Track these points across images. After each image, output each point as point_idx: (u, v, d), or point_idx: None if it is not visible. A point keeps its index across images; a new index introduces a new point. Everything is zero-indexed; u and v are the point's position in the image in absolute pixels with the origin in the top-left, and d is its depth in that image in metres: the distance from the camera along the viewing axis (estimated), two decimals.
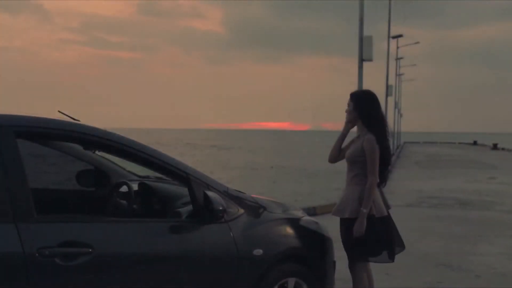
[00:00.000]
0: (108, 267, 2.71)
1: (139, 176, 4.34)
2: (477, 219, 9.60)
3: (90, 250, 2.61)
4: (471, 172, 20.51)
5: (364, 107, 3.99)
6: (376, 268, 4.40)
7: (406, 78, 49.01)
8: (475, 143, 62.76)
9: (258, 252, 3.22)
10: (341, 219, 3.99)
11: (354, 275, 4.00)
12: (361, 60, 12.01)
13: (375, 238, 3.85)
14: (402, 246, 4.07)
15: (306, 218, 3.84)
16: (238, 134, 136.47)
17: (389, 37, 29.19)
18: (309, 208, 9.39)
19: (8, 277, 2.44)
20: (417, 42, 41.88)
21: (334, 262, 3.88)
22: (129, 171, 4.34)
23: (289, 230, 3.56)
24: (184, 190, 3.47)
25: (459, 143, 68.64)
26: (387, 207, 4.01)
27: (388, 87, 28.34)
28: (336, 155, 4.17)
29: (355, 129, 4.15)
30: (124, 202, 3.61)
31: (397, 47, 37.02)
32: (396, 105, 39.66)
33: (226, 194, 3.24)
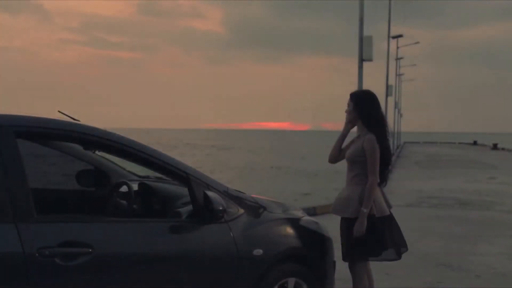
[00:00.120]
0: (108, 267, 2.71)
1: (139, 176, 4.34)
2: (477, 219, 9.60)
3: (90, 250, 2.61)
4: (471, 172, 20.51)
5: (364, 107, 3.99)
6: (376, 268, 4.41)
7: (406, 78, 49.05)
8: (475, 143, 62.75)
9: (258, 252, 3.22)
10: (341, 218, 3.99)
11: (354, 275, 4.00)
12: (361, 60, 12.01)
13: (376, 238, 3.85)
14: (405, 247, 4.07)
15: (306, 218, 3.84)
16: (238, 134, 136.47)
17: (389, 37, 29.19)
18: (309, 208, 9.40)
19: (8, 277, 2.44)
20: (417, 42, 41.89)
21: (334, 262, 3.88)
22: (129, 171, 4.34)
23: (289, 230, 3.56)
24: (184, 190, 3.47)
25: (459, 143, 68.63)
26: (389, 206, 4.02)
27: (388, 87, 28.34)
28: (336, 155, 4.17)
29: (355, 129, 4.15)
30: (124, 202, 3.61)
31: (397, 47, 37.04)
32: (396, 105, 39.66)
33: (226, 194, 3.24)
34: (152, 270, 2.82)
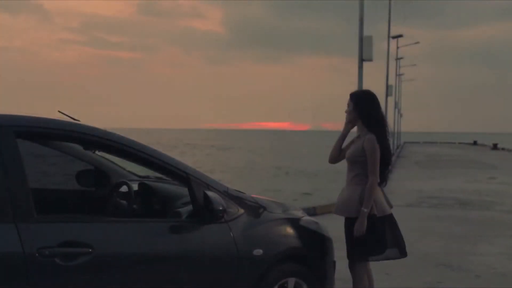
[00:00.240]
0: (108, 267, 2.71)
1: (139, 176, 4.34)
2: (477, 219, 9.60)
3: (90, 250, 2.61)
4: (471, 172, 20.51)
5: (364, 107, 3.99)
6: (376, 268, 4.41)
7: (406, 78, 49.04)
8: (475, 143, 62.74)
9: (258, 252, 3.22)
10: (345, 218, 4.00)
11: (354, 275, 4.00)
12: (361, 60, 12.01)
13: (376, 237, 3.85)
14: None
15: (306, 218, 3.84)
16: (238, 134, 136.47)
17: (389, 37, 29.19)
18: (309, 208, 9.39)
19: (8, 277, 2.44)
20: (417, 42, 41.90)
21: (334, 262, 3.88)
22: (129, 171, 4.34)
23: (289, 230, 3.56)
24: (184, 190, 3.47)
25: (459, 143, 68.62)
26: (390, 206, 4.02)
27: (388, 87, 28.34)
28: (337, 156, 4.17)
29: (355, 129, 4.15)
30: (124, 202, 3.61)
31: (397, 47, 37.04)
32: (396, 105, 39.66)
33: (226, 194, 3.24)
34: (152, 270, 2.82)
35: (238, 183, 13.04)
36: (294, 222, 3.64)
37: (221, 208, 2.97)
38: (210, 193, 3.01)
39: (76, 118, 3.33)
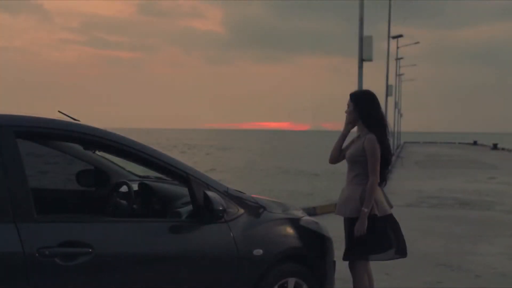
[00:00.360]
0: (108, 267, 2.71)
1: (139, 176, 4.34)
2: (477, 219, 9.60)
3: (90, 250, 2.61)
4: (471, 172, 20.51)
5: (364, 107, 3.99)
6: (376, 268, 4.41)
7: (406, 78, 49.04)
8: (475, 143, 62.72)
9: (258, 252, 3.22)
10: (344, 218, 4.00)
11: (354, 275, 4.00)
12: (361, 60, 12.01)
13: (376, 237, 3.85)
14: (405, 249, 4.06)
15: (306, 218, 3.84)
16: (238, 134, 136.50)
17: (389, 37, 29.20)
18: (309, 208, 9.39)
19: (8, 277, 2.44)
20: (417, 42, 41.92)
21: (334, 262, 3.88)
22: (129, 171, 4.35)
23: (289, 230, 3.56)
24: (184, 190, 3.47)
25: (459, 143, 68.61)
26: (390, 206, 4.02)
27: (388, 87, 28.34)
28: (337, 156, 4.17)
29: (355, 129, 4.15)
30: (124, 202, 3.61)
31: (397, 47, 37.04)
32: (396, 105, 39.66)
33: (226, 194, 3.24)
34: (152, 270, 2.82)
35: (238, 183, 13.04)
36: (294, 222, 3.64)
37: (221, 208, 2.97)
38: (210, 193, 3.01)
39: (76, 118, 3.33)
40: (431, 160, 30.19)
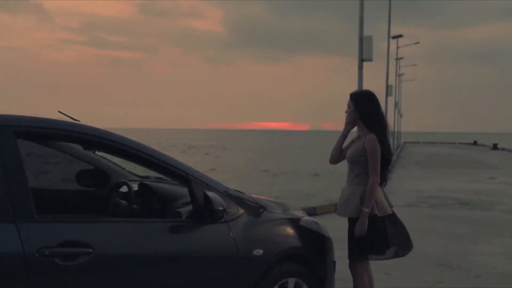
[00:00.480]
0: (108, 267, 2.70)
1: (139, 176, 4.34)
2: (477, 219, 9.60)
3: (90, 250, 2.61)
4: (471, 172, 20.51)
5: (364, 107, 3.99)
6: (376, 268, 4.41)
7: (406, 78, 49.05)
8: (475, 143, 62.71)
9: (258, 252, 3.22)
10: (348, 218, 4.00)
11: (355, 275, 4.00)
12: (361, 60, 12.01)
13: (377, 237, 3.85)
14: (409, 248, 4.06)
15: (306, 218, 3.84)
16: (238, 134, 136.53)
17: (389, 37, 29.21)
18: (309, 208, 9.40)
19: (8, 277, 2.44)
20: (417, 42, 41.95)
21: (334, 262, 3.88)
22: (129, 171, 4.35)
23: (289, 230, 3.56)
24: (184, 190, 3.47)
25: (459, 143, 68.60)
26: (390, 206, 4.02)
27: (388, 87, 28.35)
28: (337, 156, 4.17)
29: (355, 129, 4.15)
30: (124, 202, 3.61)
31: (397, 47, 37.06)
32: (396, 105, 39.67)
33: (226, 194, 3.24)
34: (152, 270, 2.82)
35: (238, 183, 13.04)
36: (294, 222, 3.64)
37: (221, 208, 2.96)
38: (210, 193, 3.01)
39: (76, 118, 3.33)
40: (431, 160, 30.18)
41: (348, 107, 4.04)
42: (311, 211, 9.23)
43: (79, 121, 3.15)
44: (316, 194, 12.21)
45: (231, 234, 3.14)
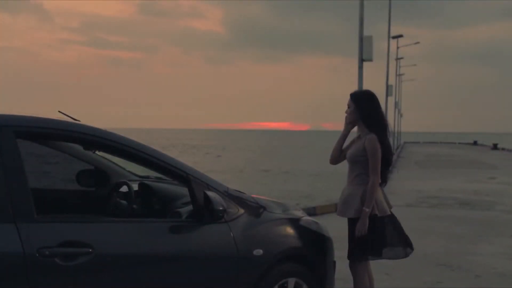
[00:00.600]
0: (108, 267, 2.70)
1: (139, 176, 4.34)
2: (477, 219, 9.60)
3: (90, 250, 2.61)
4: (471, 172, 20.51)
5: (365, 108, 3.99)
6: (376, 268, 4.41)
7: (406, 78, 49.05)
8: (475, 143, 62.70)
9: (258, 252, 3.22)
10: (348, 218, 4.00)
11: (355, 275, 4.00)
12: (361, 60, 12.01)
13: (377, 237, 3.85)
14: (410, 247, 4.06)
15: (306, 218, 3.84)
16: (238, 134, 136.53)
17: (389, 37, 29.21)
18: (309, 208, 9.40)
19: (8, 277, 2.44)
20: (417, 42, 41.96)
21: (334, 262, 3.88)
22: (129, 171, 4.35)
23: (289, 230, 3.56)
24: (184, 190, 3.46)
25: (459, 143, 68.59)
26: (389, 206, 4.02)
27: (388, 87, 28.35)
28: (338, 156, 4.17)
29: (355, 129, 4.15)
30: (124, 202, 3.61)
31: (397, 47, 37.06)
32: (396, 105, 39.67)
33: (226, 194, 3.24)
34: (152, 270, 2.82)
35: (238, 183, 13.04)
36: (294, 222, 3.63)
37: (221, 208, 2.96)
38: (210, 193, 3.01)
39: (76, 118, 3.33)
40: (431, 160, 30.18)
41: (349, 107, 4.04)
42: (311, 211, 9.23)
43: (79, 121, 3.15)
44: (316, 194, 12.21)
45: (231, 234, 3.13)
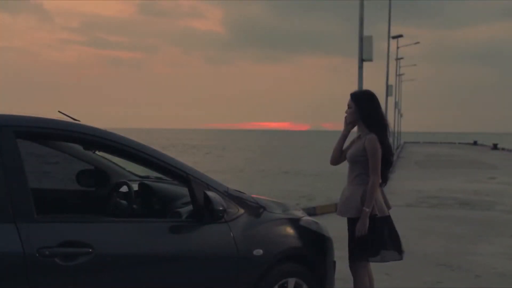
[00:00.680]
0: (108, 267, 2.70)
1: (139, 176, 4.34)
2: (477, 219, 9.60)
3: (90, 250, 2.61)
4: (471, 172, 20.51)
5: (365, 108, 3.98)
6: (376, 268, 4.41)
7: (406, 78, 49.05)
8: (475, 143, 62.69)
9: (258, 252, 3.22)
10: (347, 218, 4.00)
11: (355, 275, 4.00)
12: (361, 60, 12.01)
13: (377, 238, 3.85)
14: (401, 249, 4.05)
15: (306, 218, 3.84)
16: (238, 134, 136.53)
17: (389, 37, 29.20)
18: (309, 208, 9.40)
19: (8, 277, 2.44)
20: (417, 42, 41.96)
21: (334, 262, 3.88)
22: (129, 171, 4.35)
23: (289, 230, 3.56)
24: (184, 190, 3.46)
25: (459, 143, 68.58)
26: (388, 207, 4.02)
27: (388, 87, 28.34)
28: (338, 157, 4.16)
29: (355, 129, 4.15)
30: (124, 202, 3.61)
31: (397, 47, 37.05)
32: (396, 105, 39.66)
33: (226, 194, 3.24)
34: (152, 270, 2.82)
35: (238, 183, 13.04)
36: (294, 222, 3.63)
37: (221, 208, 2.96)
38: (210, 193, 3.01)
39: (76, 118, 3.33)
40: (431, 160, 30.18)
41: (349, 107, 4.03)
42: (311, 211, 9.23)
43: (79, 121, 3.15)
44: (316, 194, 12.21)
45: (231, 234, 3.13)
